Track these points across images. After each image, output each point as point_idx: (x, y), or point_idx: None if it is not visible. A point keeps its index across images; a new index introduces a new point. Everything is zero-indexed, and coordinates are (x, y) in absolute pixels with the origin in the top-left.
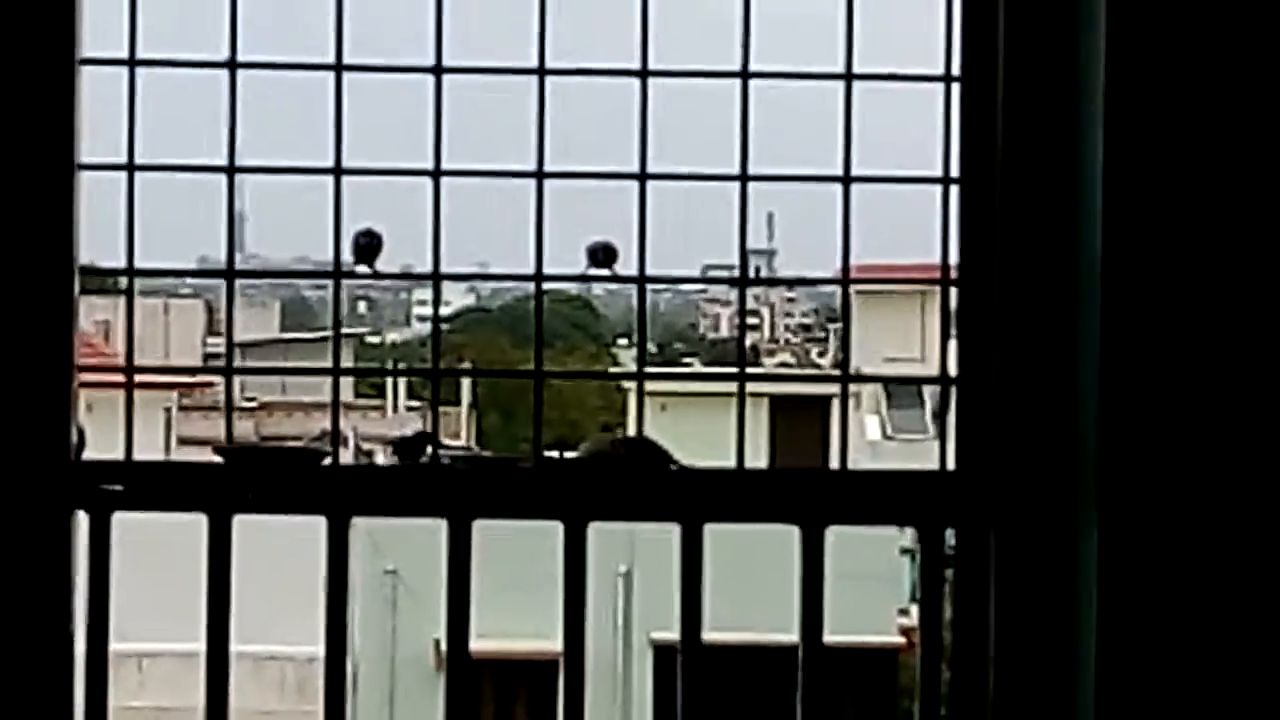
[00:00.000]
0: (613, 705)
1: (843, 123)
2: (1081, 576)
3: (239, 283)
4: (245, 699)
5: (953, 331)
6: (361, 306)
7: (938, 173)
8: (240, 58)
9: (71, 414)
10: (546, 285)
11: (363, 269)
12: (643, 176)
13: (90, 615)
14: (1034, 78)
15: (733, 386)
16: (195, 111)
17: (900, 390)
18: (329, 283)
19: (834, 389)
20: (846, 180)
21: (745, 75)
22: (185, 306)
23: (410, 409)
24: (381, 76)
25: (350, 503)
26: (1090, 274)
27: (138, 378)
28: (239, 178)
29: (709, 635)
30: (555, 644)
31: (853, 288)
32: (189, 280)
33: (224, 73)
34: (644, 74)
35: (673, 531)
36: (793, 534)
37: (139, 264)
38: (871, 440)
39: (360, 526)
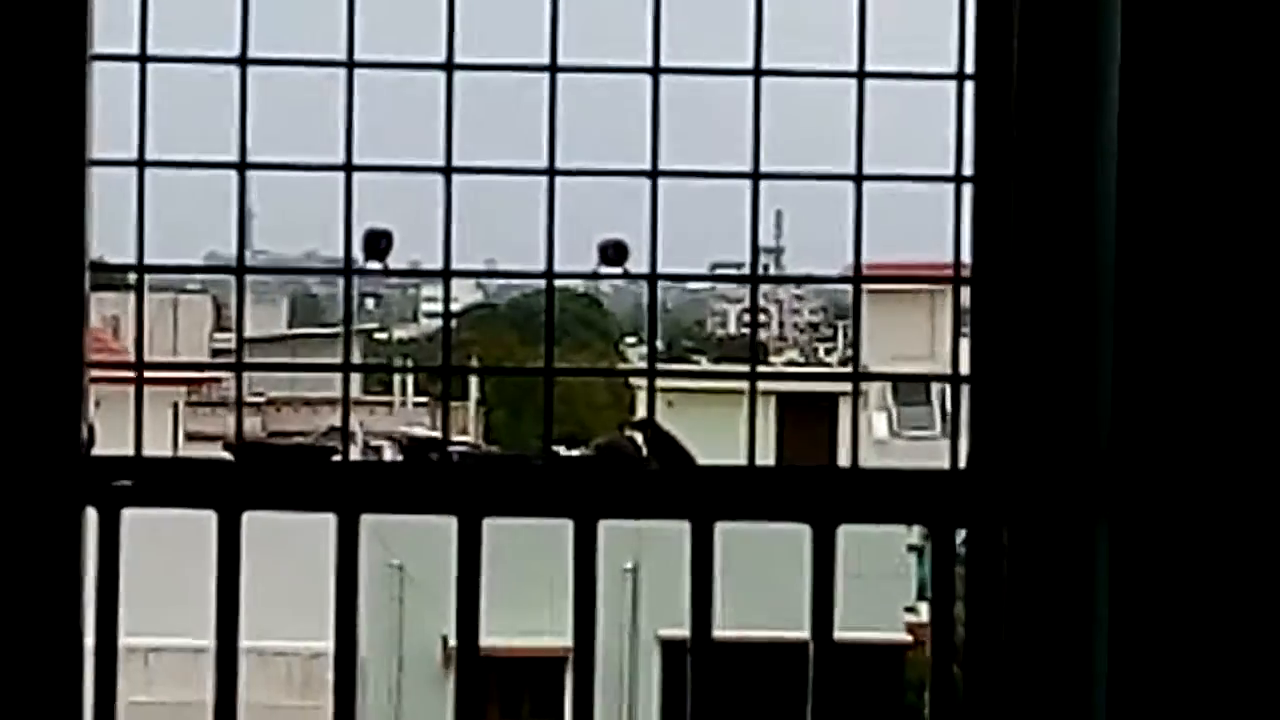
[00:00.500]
0: (620, 702)
1: (855, 121)
2: (1095, 575)
3: (248, 279)
4: (251, 694)
5: (964, 330)
6: (369, 302)
7: (948, 170)
8: (250, 54)
9: (82, 410)
10: (555, 282)
11: (374, 265)
12: (654, 174)
13: (98, 610)
14: (1048, 75)
15: (740, 383)
16: (205, 108)
17: (907, 388)
18: (337, 279)
19: (841, 386)
20: (859, 179)
21: (758, 73)
22: (194, 302)
23: (418, 404)
24: (392, 73)
25: (360, 500)
26: (1104, 272)
27: (147, 373)
28: (248, 174)
29: (716, 632)
30: (560, 641)
31: (862, 286)
32: (196, 276)
33: (234, 69)
34: (655, 71)
35: (680, 527)
36: (799, 530)
37: (148, 260)
38: (879, 438)
39: (365, 520)
